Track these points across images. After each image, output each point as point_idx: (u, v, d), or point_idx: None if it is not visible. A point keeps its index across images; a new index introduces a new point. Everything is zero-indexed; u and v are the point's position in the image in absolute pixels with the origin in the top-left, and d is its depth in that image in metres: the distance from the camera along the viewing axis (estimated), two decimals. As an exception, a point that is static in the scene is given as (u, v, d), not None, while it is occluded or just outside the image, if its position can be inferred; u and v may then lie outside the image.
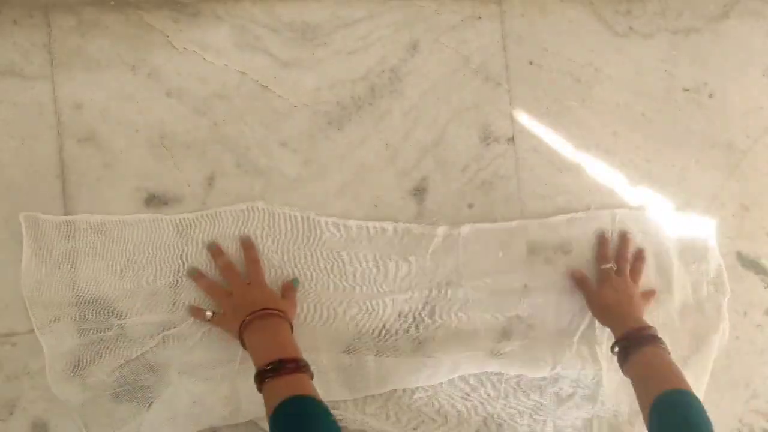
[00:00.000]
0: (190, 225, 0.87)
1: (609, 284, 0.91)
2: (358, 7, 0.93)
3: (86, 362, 0.84)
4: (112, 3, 0.88)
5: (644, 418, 0.76)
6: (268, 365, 0.70)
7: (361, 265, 0.91)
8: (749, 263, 1.01)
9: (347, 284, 0.90)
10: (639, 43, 1.00)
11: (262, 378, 0.70)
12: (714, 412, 1.00)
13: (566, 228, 0.96)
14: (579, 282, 0.94)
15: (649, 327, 0.84)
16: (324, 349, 0.89)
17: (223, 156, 0.90)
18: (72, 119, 0.87)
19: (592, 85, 0.99)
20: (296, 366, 0.71)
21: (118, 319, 0.85)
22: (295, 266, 0.89)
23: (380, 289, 0.91)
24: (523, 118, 0.97)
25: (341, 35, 0.93)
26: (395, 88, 0.94)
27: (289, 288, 0.86)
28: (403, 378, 0.89)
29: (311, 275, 0.89)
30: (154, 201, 0.87)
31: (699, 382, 0.95)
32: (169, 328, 0.86)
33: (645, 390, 0.77)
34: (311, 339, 0.88)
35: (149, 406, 0.84)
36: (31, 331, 0.85)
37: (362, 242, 0.91)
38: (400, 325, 0.91)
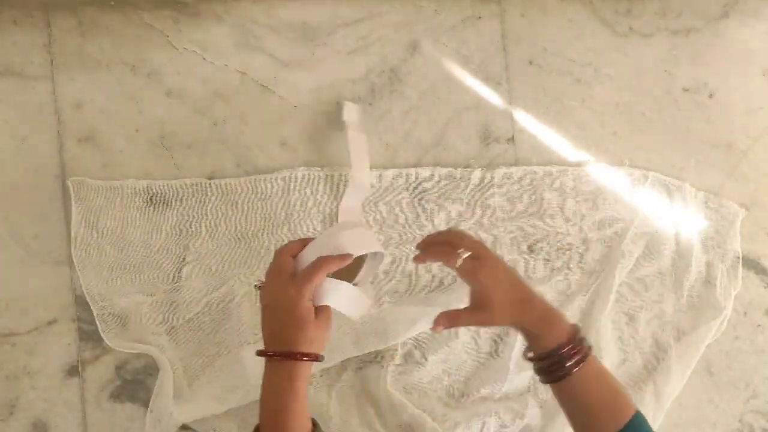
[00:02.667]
0: (234, 190, 0.89)
1: (481, 276, 0.66)
2: (358, 7, 0.93)
3: (136, 321, 0.86)
4: (112, 3, 0.88)
5: None
6: None
7: (398, 212, 0.92)
8: (749, 263, 1.01)
9: (385, 234, 0.92)
10: (639, 43, 1.00)
11: None
12: (714, 412, 1.00)
13: (599, 177, 0.97)
14: (453, 320, 0.68)
15: (575, 329, 0.65)
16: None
17: (223, 156, 0.90)
18: (72, 119, 0.87)
19: (592, 85, 0.98)
20: None
21: (170, 283, 0.87)
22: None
23: (416, 234, 0.92)
24: (523, 118, 0.97)
25: (341, 35, 0.93)
26: (395, 88, 0.94)
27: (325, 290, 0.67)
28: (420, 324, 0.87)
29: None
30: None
31: (687, 364, 0.96)
32: (213, 292, 0.88)
33: (597, 425, 0.63)
34: None
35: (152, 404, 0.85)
36: (31, 331, 0.85)
37: (401, 191, 0.92)
38: (429, 268, 0.93)
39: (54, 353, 0.85)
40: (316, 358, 0.64)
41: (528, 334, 0.67)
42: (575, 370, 0.63)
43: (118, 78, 0.88)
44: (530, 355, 0.67)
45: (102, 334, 0.84)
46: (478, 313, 0.66)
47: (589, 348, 0.65)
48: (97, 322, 0.84)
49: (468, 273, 0.66)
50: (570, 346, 0.63)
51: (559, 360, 0.63)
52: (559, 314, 0.66)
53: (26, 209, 0.85)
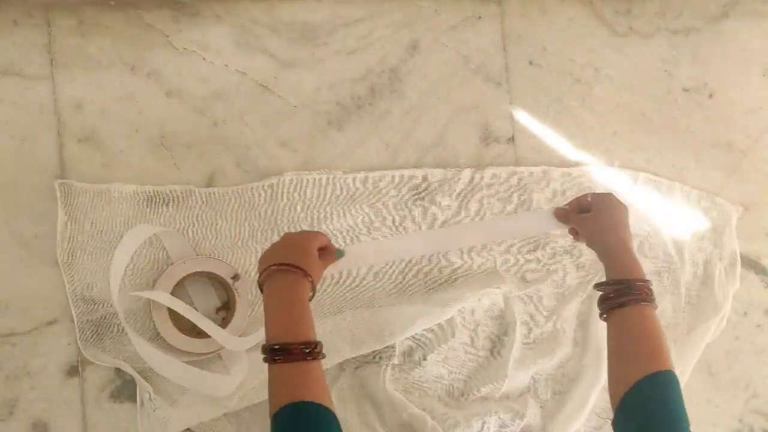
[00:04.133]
0: (221, 199, 0.88)
1: (596, 206, 0.80)
2: (358, 7, 0.93)
3: (115, 332, 0.85)
4: (112, 3, 0.88)
5: (614, 392, 0.66)
6: (277, 345, 0.65)
7: (385, 215, 0.92)
8: (749, 263, 1.01)
9: (374, 235, 0.91)
10: (639, 43, 1.00)
11: (269, 356, 0.66)
12: (714, 412, 1.00)
13: (590, 178, 0.97)
14: (564, 217, 0.84)
15: (645, 279, 0.72)
16: (348, 306, 0.90)
17: (223, 156, 0.90)
18: (72, 119, 0.87)
19: (592, 85, 0.99)
20: (308, 351, 0.66)
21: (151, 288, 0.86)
22: (324, 227, 0.90)
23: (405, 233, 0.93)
24: (523, 118, 0.97)
25: (341, 35, 0.93)
26: (395, 88, 0.94)
27: (330, 252, 0.79)
28: (416, 323, 0.88)
29: (339, 233, 0.91)
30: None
31: (687, 363, 0.96)
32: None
33: (625, 365, 0.67)
34: (340, 298, 0.90)
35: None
36: (31, 331, 0.85)
37: (389, 192, 0.92)
38: (420, 269, 0.92)
39: (54, 353, 0.85)
40: (314, 284, 0.71)
41: (610, 258, 0.75)
42: (634, 304, 0.68)
43: (118, 78, 0.88)
44: (599, 282, 0.73)
45: (79, 343, 0.84)
46: (579, 217, 0.80)
47: (654, 302, 0.70)
48: (76, 330, 0.84)
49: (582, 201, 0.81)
50: (641, 282, 0.70)
51: (626, 288, 0.70)
52: (640, 265, 0.73)
53: (26, 209, 0.85)
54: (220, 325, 0.86)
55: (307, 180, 0.90)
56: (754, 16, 1.02)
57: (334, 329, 0.88)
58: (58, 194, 0.84)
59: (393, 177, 0.92)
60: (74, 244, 0.85)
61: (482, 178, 0.94)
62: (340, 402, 0.87)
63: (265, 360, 0.66)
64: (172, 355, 0.83)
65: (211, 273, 0.86)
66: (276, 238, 0.88)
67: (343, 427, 0.85)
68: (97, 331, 0.85)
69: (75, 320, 0.84)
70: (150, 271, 0.86)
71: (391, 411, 0.87)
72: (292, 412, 0.62)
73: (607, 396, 0.94)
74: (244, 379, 0.84)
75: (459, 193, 0.94)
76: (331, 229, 0.91)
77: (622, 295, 0.69)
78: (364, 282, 0.91)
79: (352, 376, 0.89)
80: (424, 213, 0.93)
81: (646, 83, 1.00)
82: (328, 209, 0.91)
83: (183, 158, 0.89)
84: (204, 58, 0.90)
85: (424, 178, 0.93)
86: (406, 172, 0.93)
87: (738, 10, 1.02)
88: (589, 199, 0.81)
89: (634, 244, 0.96)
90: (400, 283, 0.92)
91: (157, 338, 0.85)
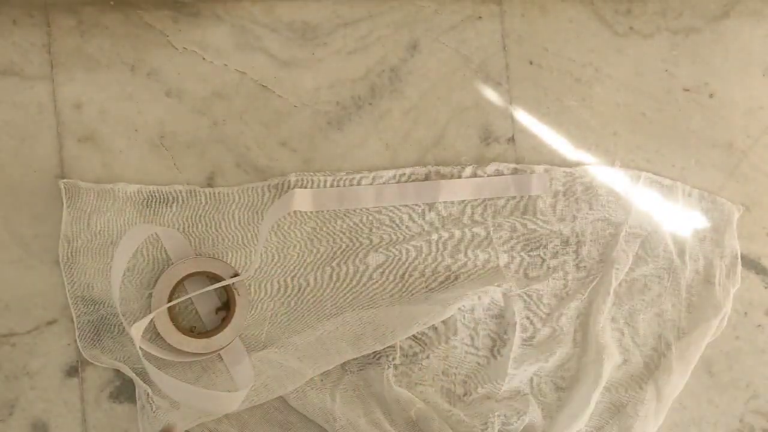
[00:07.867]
0: (225, 199, 0.88)
1: None
2: (357, 7, 0.93)
3: (115, 332, 0.85)
4: (112, 3, 0.88)
5: None
6: None
7: (388, 214, 0.92)
8: (749, 263, 1.01)
9: (376, 237, 0.91)
10: (639, 42, 1.00)
11: None
12: (714, 412, 1.00)
13: (592, 177, 0.97)
14: None
15: None
16: (349, 307, 0.90)
17: (222, 156, 0.90)
18: (72, 119, 0.87)
19: (592, 85, 0.98)
20: None
21: (150, 288, 0.85)
22: (327, 229, 0.90)
23: (406, 234, 0.92)
24: (523, 118, 0.97)
25: (341, 35, 0.93)
26: (395, 87, 0.94)
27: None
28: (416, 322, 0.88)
29: (342, 233, 0.90)
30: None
31: (688, 363, 0.96)
32: None
33: None
34: (341, 300, 0.90)
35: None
36: (31, 331, 0.85)
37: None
38: (423, 270, 0.92)
39: (54, 353, 0.85)
40: None
41: None
42: None
43: (118, 78, 0.88)
44: None
45: (78, 343, 0.84)
46: None
47: None
48: (75, 330, 0.84)
49: None
50: None
51: None
52: None
53: (26, 209, 0.85)
54: (219, 326, 0.86)
55: (311, 180, 0.90)
56: (755, 15, 1.02)
57: (335, 330, 0.88)
58: (63, 193, 0.85)
59: (395, 175, 0.93)
60: (75, 244, 0.85)
61: (484, 174, 0.94)
62: (345, 404, 0.87)
63: None
64: (172, 356, 0.83)
65: (211, 273, 0.86)
66: (276, 241, 0.89)
67: (351, 427, 0.84)
68: (96, 331, 0.85)
69: (74, 321, 0.84)
70: (150, 271, 0.86)
71: (399, 410, 0.87)
72: None
73: (608, 396, 0.95)
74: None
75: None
76: (333, 229, 0.91)
77: None
78: (365, 283, 0.91)
79: (356, 377, 0.89)
80: (427, 212, 0.93)
81: (647, 83, 1.00)
82: (331, 210, 0.91)
83: (182, 158, 0.89)
84: (204, 58, 0.90)
85: (428, 176, 0.94)
86: (408, 170, 0.93)
87: (738, 10, 1.02)
88: None
89: (635, 244, 0.97)
90: (402, 283, 0.92)
91: (156, 338, 0.85)
